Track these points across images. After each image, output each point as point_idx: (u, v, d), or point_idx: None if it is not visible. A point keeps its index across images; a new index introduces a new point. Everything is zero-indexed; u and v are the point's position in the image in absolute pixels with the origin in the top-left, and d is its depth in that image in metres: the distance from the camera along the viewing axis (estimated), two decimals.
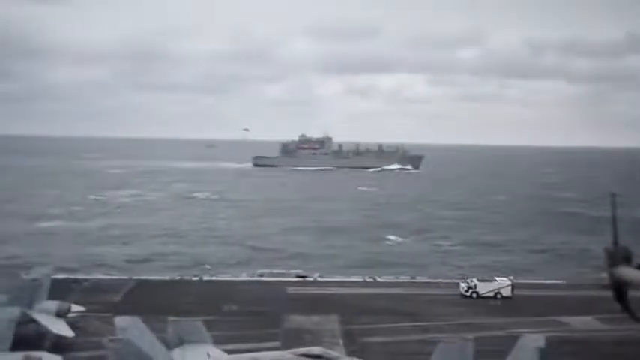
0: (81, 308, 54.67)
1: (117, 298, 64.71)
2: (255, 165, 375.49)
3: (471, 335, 43.39)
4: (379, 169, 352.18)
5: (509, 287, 68.28)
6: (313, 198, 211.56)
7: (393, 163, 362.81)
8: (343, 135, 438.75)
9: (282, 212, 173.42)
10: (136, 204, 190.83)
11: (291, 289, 70.38)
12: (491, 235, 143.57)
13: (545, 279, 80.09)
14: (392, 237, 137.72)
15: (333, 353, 42.23)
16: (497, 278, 70.69)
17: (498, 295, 67.76)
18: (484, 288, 67.98)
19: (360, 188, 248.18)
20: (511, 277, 72.09)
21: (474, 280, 69.59)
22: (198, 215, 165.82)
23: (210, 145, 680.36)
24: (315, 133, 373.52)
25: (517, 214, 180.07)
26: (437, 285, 74.23)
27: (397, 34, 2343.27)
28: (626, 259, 31.71)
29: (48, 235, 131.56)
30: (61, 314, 51.07)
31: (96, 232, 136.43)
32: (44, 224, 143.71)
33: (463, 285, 69.04)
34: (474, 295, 67.77)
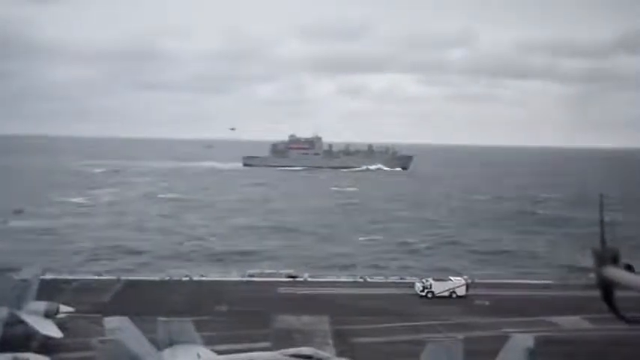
0: (70, 309, 54.37)
1: (106, 298, 64.45)
2: (246, 165, 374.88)
3: (460, 335, 43.76)
4: (363, 168, 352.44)
5: (464, 287, 68.67)
6: (284, 197, 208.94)
7: (383, 163, 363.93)
8: (336, 135, 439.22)
9: (243, 212, 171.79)
10: (107, 203, 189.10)
11: (281, 290, 70.46)
12: (452, 236, 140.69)
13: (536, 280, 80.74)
14: (360, 237, 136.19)
15: (323, 354, 42.39)
16: (452, 278, 70.94)
17: (453, 295, 67.98)
18: (439, 288, 68.19)
19: (333, 188, 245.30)
20: (465, 277, 72.38)
21: (430, 279, 69.68)
22: (160, 215, 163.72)
23: (209, 145, 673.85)
24: (305, 134, 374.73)
25: (489, 214, 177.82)
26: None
27: (389, 34, 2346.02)
28: (614, 260, 31.95)
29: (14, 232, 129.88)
30: (49, 315, 50.77)
31: (58, 231, 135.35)
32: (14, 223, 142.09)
33: (419, 285, 69.06)
34: (430, 294, 67.91)
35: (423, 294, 68.20)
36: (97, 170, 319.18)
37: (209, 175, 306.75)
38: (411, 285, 72.16)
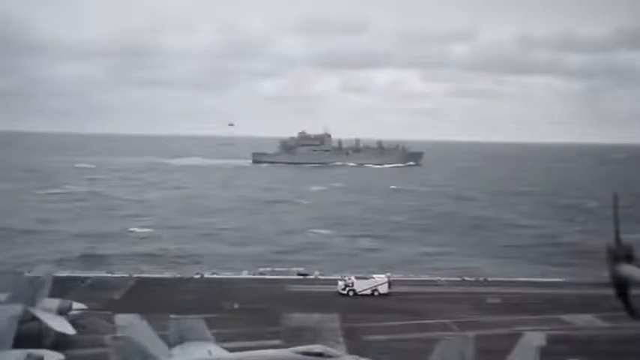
0: (82, 306, 54.74)
1: (118, 296, 64.91)
2: (255, 162, 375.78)
3: (471, 333, 43.57)
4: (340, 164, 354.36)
5: (386, 284, 67.40)
6: (244, 198, 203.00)
7: (393, 160, 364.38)
8: (342, 131, 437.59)
9: (174, 211, 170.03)
10: (66, 199, 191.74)
11: (292, 287, 70.49)
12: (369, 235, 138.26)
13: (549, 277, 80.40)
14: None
15: (333, 351, 42.39)
16: (374, 275, 69.69)
17: (375, 293, 66.65)
18: (361, 285, 66.79)
19: (313, 188, 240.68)
20: (388, 274, 71.05)
21: (352, 277, 68.27)
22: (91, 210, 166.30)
23: (225, 143, 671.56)
24: (314, 130, 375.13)
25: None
26: (434, 283, 74.35)
27: (390, 30, 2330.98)
28: (628, 258, 31.72)
29: None
30: (62, 312, 51.09)
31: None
32: None
33: (341, 283, 67.59)
34: (351, 292, 66.46)
35: (345, 292, 66.67)
36: (78, 165, 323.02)
37: (185, 172, 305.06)
38: (423, 283, 71.82)
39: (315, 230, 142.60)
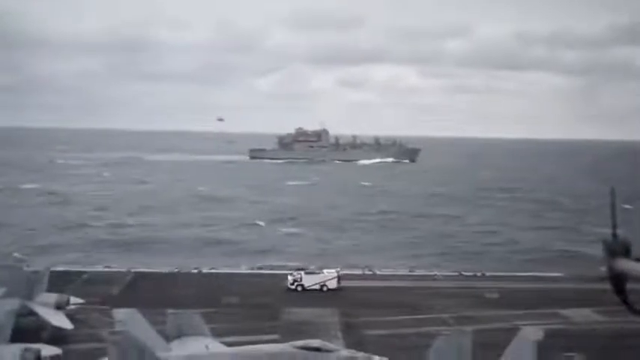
0: (80, 301, 54.84)
1: (115, 290, 64.82)
2: (252, 158, 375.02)
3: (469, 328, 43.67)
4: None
5: (336, 279, 66.69)
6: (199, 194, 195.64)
7: (390, 156, 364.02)
8: (338, 127, 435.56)
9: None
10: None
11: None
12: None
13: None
14: None
15: (331, 345, 42.42)
16: (324, 270, 68.85)
17: (324, 288, 65.90)
18: (310, 281, 65.99)
19: (289, 183, 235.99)
20: (338, 269, 70.25)
21: (301, 272, 67.59)
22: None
23: (225, 139, 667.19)
24: (312, 126, 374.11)
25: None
26: (432, 278, 74.50)
27: (386, 26, 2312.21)
28: (626, 252, 31.69)
29: None
30: (60, 307, 51.14)
31: None
32: None
33: (290, 278, 66.85)
34: (299, 288, 65.80)
35: (293, 287, 66.03)
36: (60, 162, 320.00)
37: (174, 168, 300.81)
38: (420, 277, 71.62)
39: (279, 228, 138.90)
